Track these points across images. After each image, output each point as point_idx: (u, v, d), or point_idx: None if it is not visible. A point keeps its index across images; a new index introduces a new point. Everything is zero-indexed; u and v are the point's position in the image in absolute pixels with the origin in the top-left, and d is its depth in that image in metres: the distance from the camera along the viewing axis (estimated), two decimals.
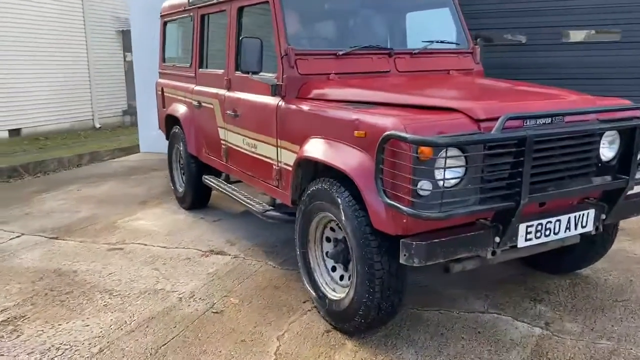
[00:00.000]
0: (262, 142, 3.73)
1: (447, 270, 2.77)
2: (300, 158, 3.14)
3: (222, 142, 4.40)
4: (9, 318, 3.20)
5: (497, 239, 2.59)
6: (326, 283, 3.11)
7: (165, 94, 5.72)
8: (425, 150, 2.34)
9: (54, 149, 9.77)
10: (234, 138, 4.19)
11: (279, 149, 3.50)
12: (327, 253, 3.11)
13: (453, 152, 2.45)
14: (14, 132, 11.28)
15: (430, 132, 2.43)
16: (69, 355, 2.78)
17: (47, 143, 10.79)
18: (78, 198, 6.06)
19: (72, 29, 12.40)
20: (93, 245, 4.45)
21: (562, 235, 2.81)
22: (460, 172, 2.50)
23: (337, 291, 3.04)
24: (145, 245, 4.42)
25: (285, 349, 2.83)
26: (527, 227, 2.66)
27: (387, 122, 2.52)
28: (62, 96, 12.11)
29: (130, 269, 3.91)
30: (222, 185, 4.56)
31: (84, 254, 4.23)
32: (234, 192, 4.26)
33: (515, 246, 2.67)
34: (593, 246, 3.47)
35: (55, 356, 2.78)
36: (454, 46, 4.05)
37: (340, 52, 3.54)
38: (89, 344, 2.90)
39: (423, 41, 3.96)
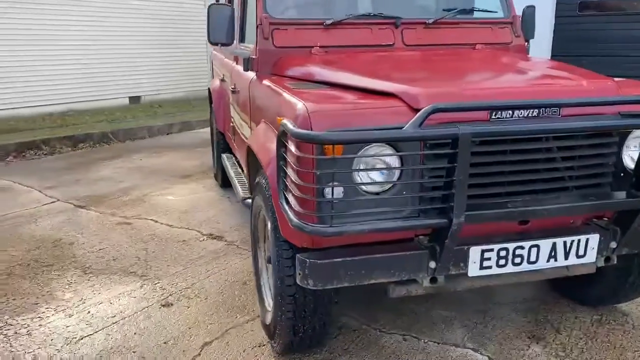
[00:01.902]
0: (244, 122, 3.37)
1: (386, 292, 2.24)
2: (247, 144, 2.74)
3: (231, 119, 4.12)
4: None
5: (433, 264, 2.00)
6: (269, 289, 2.71)
7: (214, 67, 5.57)
8: (334, 147, 1.84)
9: (160, 117, 10.18)
10: (235, 116, 3.88)
11: (252, 131, 3.12)
12: (268, 258, 2.71)
13: (375, 150, 1.91)
14: (135, 99, 11.97)
15: (343, 123, 1.90)
16: None
17: (157, 111, 11.32)
18: (133, 168, 6.18)
19: (194, 3, 12.74)
20: (108, 217, 4.45)
21: (542, 265, 2.12)
22: (389, 175, 1.96)
23: (271, 302, 2.63)
24: (155, 222, 4.31)
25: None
26: (484, 251, 2.04)
27: (297, 108, 2.03)
28: (180, 66, 12.56)
29: (121, 246, 3.81)
30: (228, 165, 4.29)
31: (92, 227, 4.23)
32: (232, 175, 3.96)
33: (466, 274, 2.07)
34: (628, 276, 2.67)
35: None
36: (485, 15, 3.31)
37: (328, 22, 3.03)
38: (22, 325, 2.81)
39: (444, 9, 3.30)
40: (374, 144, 1.91)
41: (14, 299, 3.08)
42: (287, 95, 2.22)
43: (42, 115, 9.27)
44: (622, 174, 2.17)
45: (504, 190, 2.05)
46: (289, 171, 1.88)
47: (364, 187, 1.95)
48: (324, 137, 1.74)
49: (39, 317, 2.89)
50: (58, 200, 4.93)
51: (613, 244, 2.17)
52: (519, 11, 3.42)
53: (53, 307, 2.99)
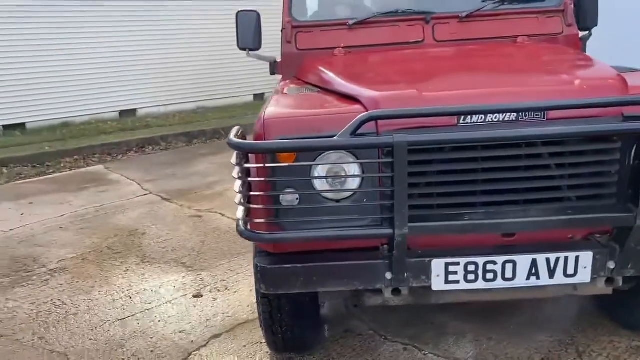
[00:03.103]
0: None
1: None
2: None
3: None
4: (56, 268, 3.72)
5: (389, 275, 1.93)
6: None
7: None
8: (285, 155, 1.86)
9: None
10: None
11: None
12: None
13: (332, 157, 1.88)
14: (259, 97, 12.59)
15: (296, 130, 1.90)
16: (50, 316, 3.11)
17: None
18: (225, 163, 6.56)
19: None
20: (184, 210, 4.81)
21: (521, 283, 1.93)
22: (350, 183, 1.92)
23: None
24: (222, 215, 4.58)
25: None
26: (448, 264, 1.91)
27: (260, 116, 2.05)
28: None
29: (183, 238, 4.12)
30: None
31: (168, 218, 4.62)
32: None
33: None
34: None
35: (43, 311, 3.14)
36: (529, 5, 3.04)
37: (351, 22, 3.00)
38: (74, 305, 3.19)
39: (483, 0, 3.08)
40: (333, 152, 1.89)
41: (77, 282, 3.49)
42: (268, 102, 2.26)
43: (175, 112, 10.14)
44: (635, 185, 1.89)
45: (477, 201, 1.91)
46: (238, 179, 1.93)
47: (325, 195, 1.93)
48: (245, 146, 1.77)
49: (90, 299, 3.25)
50: (150, 193, 5.43)
51: (611, 264, 1.91)
52: None
53: (104, 291, 3.34)
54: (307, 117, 1.98)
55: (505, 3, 3.03)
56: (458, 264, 1.91)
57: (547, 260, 1.90)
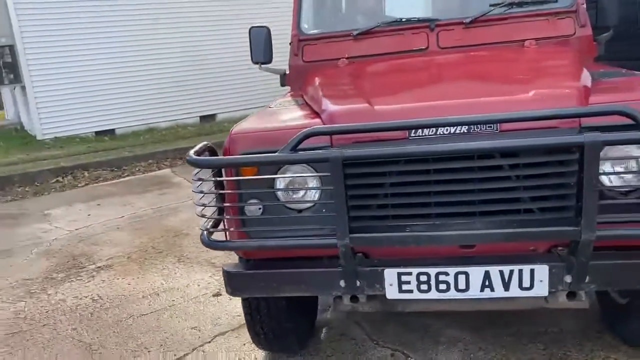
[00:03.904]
0: None
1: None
2: None
3: None
4: (103, 266, 4.10)
5: (343, 283, 2.00)
6: None
7: None
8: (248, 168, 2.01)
9: None
10: None
11: None
12: None
13: (295, 169, 2.00)
14: None
15: (260, 144, 2.03)
16: (86, 309, 3.45)
17: None
18: None
19: None
20: None
21: (475, 294, 1.94)
22: (312, 195, 2.02)
23: None
24: None
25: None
26: (400, 274, 1.96)
27: (231, 130, 2.20)
28: None
29: None
30: None
31: None
32: None
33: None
34: None
35: (82, 305, 3.49)
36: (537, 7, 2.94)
37: (355, 32, 3.07)
38: (111, 300, 3.52)
39: (491, 5, 3.03)
40: (295, 165, 1.99)
41: (117, 279, 3.84)
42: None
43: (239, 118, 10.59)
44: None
45: (431, 212, 1.94)
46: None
47: (290, 205, 2.05)
48: (196, 161, 1.90)
49: (123, 295, 3.56)
50: None
51: (568, 278, 1.86)
52: None
53: (138, 288, 3.65)
54: (268, 132, 2.09)
55: (514, 6, 2.98)
56: (410, 273, 1.95)
57: (501, 272, 1.90)
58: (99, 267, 4.07)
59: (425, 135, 1.90)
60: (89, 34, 9.24)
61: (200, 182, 1.93)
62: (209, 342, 2.90)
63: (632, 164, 1.85)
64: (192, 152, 1.97)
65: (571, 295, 1.94)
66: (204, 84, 10.42)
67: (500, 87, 2.15)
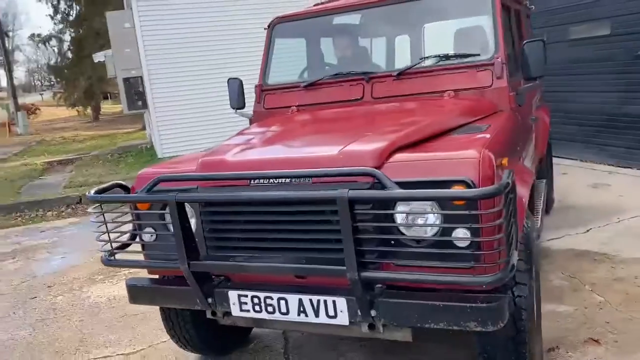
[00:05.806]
0: None
1: None
2: None
3: None
4: (134, 271, 4.90)
5: (198, 300, 2.48)
6: None
7: None
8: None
9: None
10: None
11: None
12: None
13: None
14: None
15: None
16: (97, 307, 4.23)
17: None
18: None
19: None
20: None
21: (294, 318, 2.30)
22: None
23: None
24: None
25: None
26: (240, 295, 2.39)
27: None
28: None
29: None
30: None
31: None
32: None
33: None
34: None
35: (96, 303, 4.28)
36: (458, 60, 3.17)
37: (303, 84, 3.53)
38: (116, 302, 4.27)
39: (421, 58, 3.33)
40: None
41: None
42: None
43: None
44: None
45: (249, 246, 2.35)
46: None
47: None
48: (89, 197, 2.50)
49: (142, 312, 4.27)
50: None
51: (359, 311, 2.15)
52: None
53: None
54: (159, 173, 2.64)
55: (440, 59, 3.24)
56: (247, 296, 2.37)
57: (311, 301, 2.25)
58: (130, 272, 4.89)
59: (260, 184, 2.33)
60: (202, 68, 10.63)
61: (99, 214, 2.55)
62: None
63: (431, 217, 2.11)
64: (92, 191, 2.58)
65: (371, 327, 2.22)
66: None
67: (331, 141, 2.45)
